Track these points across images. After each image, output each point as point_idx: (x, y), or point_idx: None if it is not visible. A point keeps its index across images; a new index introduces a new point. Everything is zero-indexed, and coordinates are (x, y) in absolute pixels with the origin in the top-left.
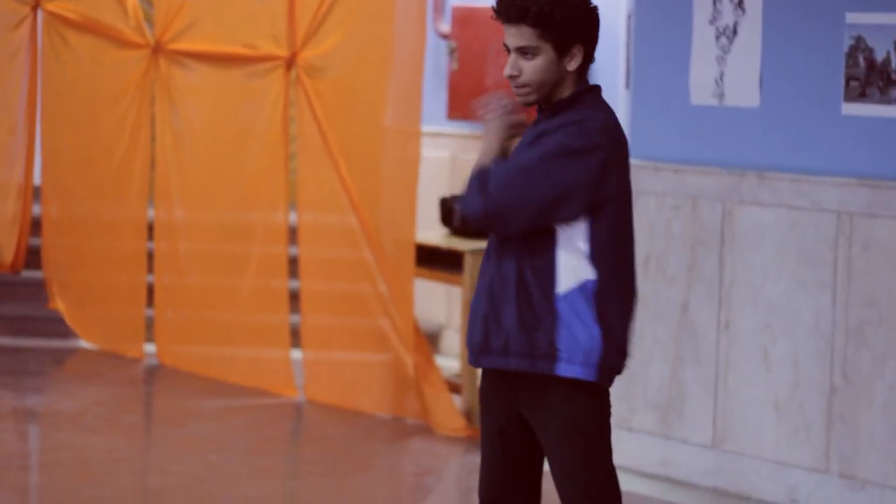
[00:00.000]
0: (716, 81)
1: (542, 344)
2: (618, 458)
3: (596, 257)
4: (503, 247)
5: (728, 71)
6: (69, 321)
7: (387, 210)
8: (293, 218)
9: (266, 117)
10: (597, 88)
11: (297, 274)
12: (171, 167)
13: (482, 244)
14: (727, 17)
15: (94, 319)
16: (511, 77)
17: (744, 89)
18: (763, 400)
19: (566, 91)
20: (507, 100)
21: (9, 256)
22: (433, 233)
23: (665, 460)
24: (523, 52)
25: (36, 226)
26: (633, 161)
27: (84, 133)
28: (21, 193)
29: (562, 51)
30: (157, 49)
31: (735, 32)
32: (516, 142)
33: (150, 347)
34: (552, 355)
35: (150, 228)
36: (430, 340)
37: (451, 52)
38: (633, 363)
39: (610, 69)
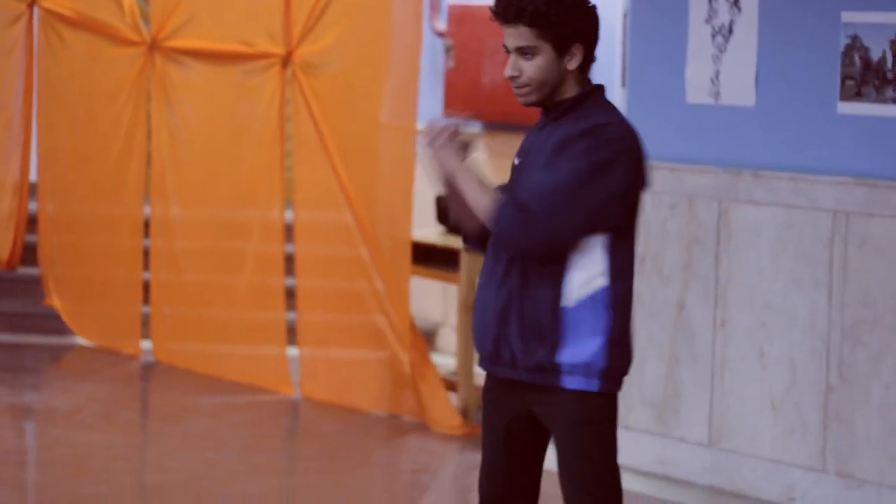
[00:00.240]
0: (712, 80)
1: (546, 359)
2: None
3: (612, 263)
4: (512, 258)
5: (724, 70)
6: (65, 318)
7: (383, 207)
8: (289, 215)
9: (262, 115)
10: (601, 88)
11: (294, 271)
12: (167, 164)
13: None
14: (723, 16)
15: (91, 316)
16: (511, 78)
17: (740, 88)
18: (759, 399)
19: (569, 91)
20: (448, 122)
21: (5, 253)
22: (429, 230)
23: (661, 459)
24: (522, 52)
25: (32, 222)
26: None
27: (80, 130)
28: (17, 190)
29: (561, 50)
30: (154, 46)
31: (731, 31)
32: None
33: (146, 344)
34: (556, 370)
35: (147, 225)
36: (426, 338)
37: (448, 49)
38: None
39: (606, 67)
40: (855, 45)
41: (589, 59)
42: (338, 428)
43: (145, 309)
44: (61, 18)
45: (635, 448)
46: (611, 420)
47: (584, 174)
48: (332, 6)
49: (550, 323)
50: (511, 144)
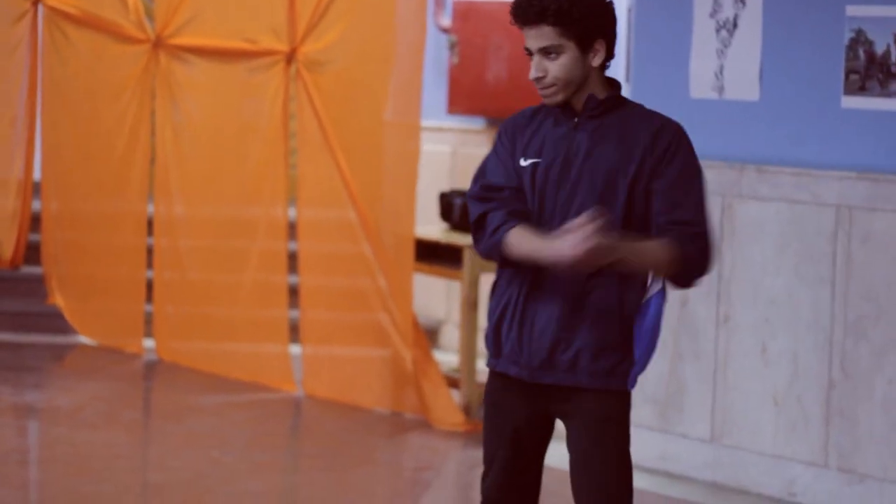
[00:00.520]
0: (716, 75)
1: (617, 363)
2: None
3: None
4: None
5: (728, 64)
6: (68, 317)
7: (387, 204)
8: (293, 213)
9: (266, 112)
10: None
11: (297, 269)
12: (171, 162)
13: None
14: (727, 11)
15: (94, 315)
16: (537, 79)
17: (744, 83)
18: (762, 394)
19: (593, 87)
20: (593, 223)
21: (8, 252)
22: (433, 227)
23: (664, 454)
24: (546, 52)
25: (36, 221)
26: None
27: (84, 128)
28: (21, 189)
29: (585, 47)
30: (158, 44)
31: (735, 26)
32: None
33: (149, 343)
34: (626, 373)
35: (150, 223)
36: (429, 335)
37: (452, 46)
38: None
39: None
40: (859, 40)
41: (610, 55)
42: (340, 426)
43: (148, 307)
44: (66, 16)
45: (638, 444)
46: (629, 416)
47: (701, 176)
48: (335, 3)
49: (626, 328)
50: None
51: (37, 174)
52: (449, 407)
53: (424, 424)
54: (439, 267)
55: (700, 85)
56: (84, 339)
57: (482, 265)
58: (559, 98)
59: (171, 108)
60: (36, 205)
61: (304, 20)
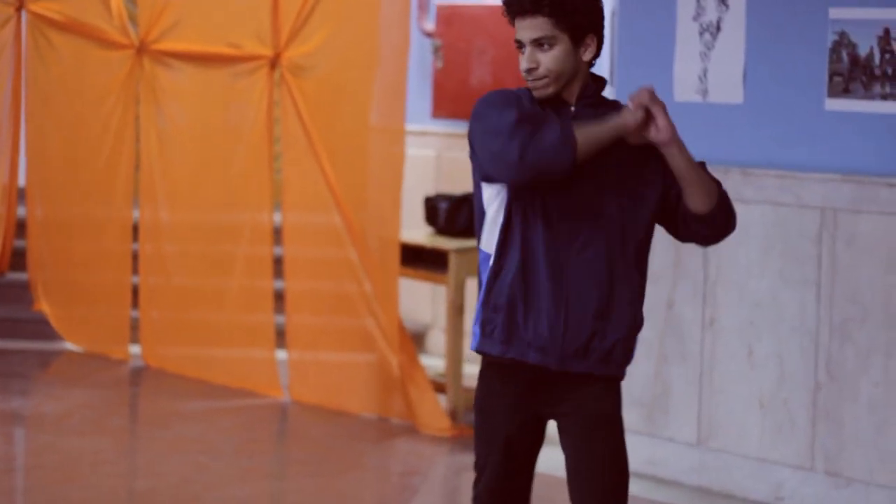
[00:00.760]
0: (699, 78)
1: (624, 351)
2: None
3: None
4: (605, 250)
5: (712, 67)
6: (54, 323)
7: (372, 209)
8: (278, 217)
9: (251, 117)
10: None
11: (283, 274)
12: (155, 167)
13: (467, 243)
14: (711, 14)
15: (80, 321)
16: (529, 70)
17: (727, 86)
18: (748, 397)
19: (584, 81)
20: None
21: None
22: (418, 232)
23: (651, 458)
24: (539, 43)
25: (21, 227)
26: None
27: (69, 134)
28: (6, 194)
29: (577, 40)
30: (142, 49)
31: (719, 28)
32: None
33: (135, 349)
34: (627, 361)
35: (136, 229)
36: (415, 340)
37: (436, 50)
38: None
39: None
40: (842, 42)
41: (599, 52)
42: (327, 431)
43: (134, 313)
44: (49, 22)
45: None
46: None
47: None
48: (319, 8)
49: (633, 313)
50: None
51: (22, 180)
52: (435, 412)
53: (411, 429)
54: (425, 271)
55: (684, 88)
56: (70, 345)
57: (468, 269)
58: (550, 90)
59: (156, 113)
60: (21, 211)
61: (287, 25)
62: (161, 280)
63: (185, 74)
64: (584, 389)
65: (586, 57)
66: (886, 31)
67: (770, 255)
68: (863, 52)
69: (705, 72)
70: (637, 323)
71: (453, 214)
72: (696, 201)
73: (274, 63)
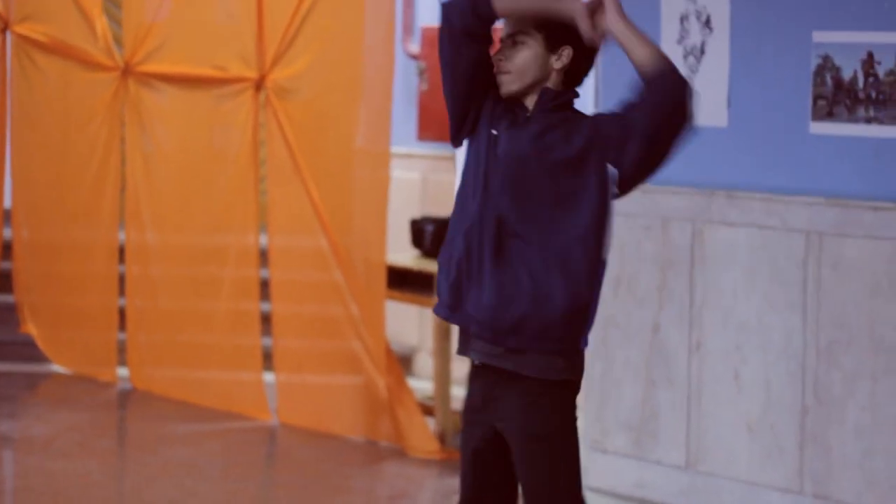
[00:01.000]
0: None
1: (561, 335)
2: (592, 480)
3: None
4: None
5: (696, 90)
6: (41, 345)
7: (358, 232)
8: (264, 240)
9: (236, 139)
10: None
11: (269, 296)
12: (141, 189)
13: None
14: (694, 37)
15: (67, 343)
16: (497, 62)
17: (712, 109)
18: (735, 421)
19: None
20: None
21: None
22: (404, 254)
23: (639, 482)
24: (513, 39)
25: (7, 249)
26: None
27: (54, 155)
28: None
29: (551, 47)
30: (127, 71)
31: (703, 52)
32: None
33: (122, 371)
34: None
35: (122, 251)
36: (402, 363)
37: (421, 72)
38: (605, 384)
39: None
40: (826, 65)
41: (574, 67)
42: (315, 454)
43: (121, 336)
44: (34, 44)
45: (612, 471)
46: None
47: None
48: (304, 30)
49: (575, 293)
50: None
51: (7, 202)
52: (423, 435)
53: (399, 452)
54: (411, 294)
55: None
56: (57, 367)
57: None
58: (513, 88)
59: (141, 135)
60: (7, 233)
61: (272, 47)
62: (148, 302)
63: (170, 96)
64: (515, 400)
65: (557, 65)
66: (870, 55)
67: (756, 279)
68: (847, 75)
69: None
70: (578, 305)
71: (440, 237)
72: (640, 54)
73: (259, 85)
